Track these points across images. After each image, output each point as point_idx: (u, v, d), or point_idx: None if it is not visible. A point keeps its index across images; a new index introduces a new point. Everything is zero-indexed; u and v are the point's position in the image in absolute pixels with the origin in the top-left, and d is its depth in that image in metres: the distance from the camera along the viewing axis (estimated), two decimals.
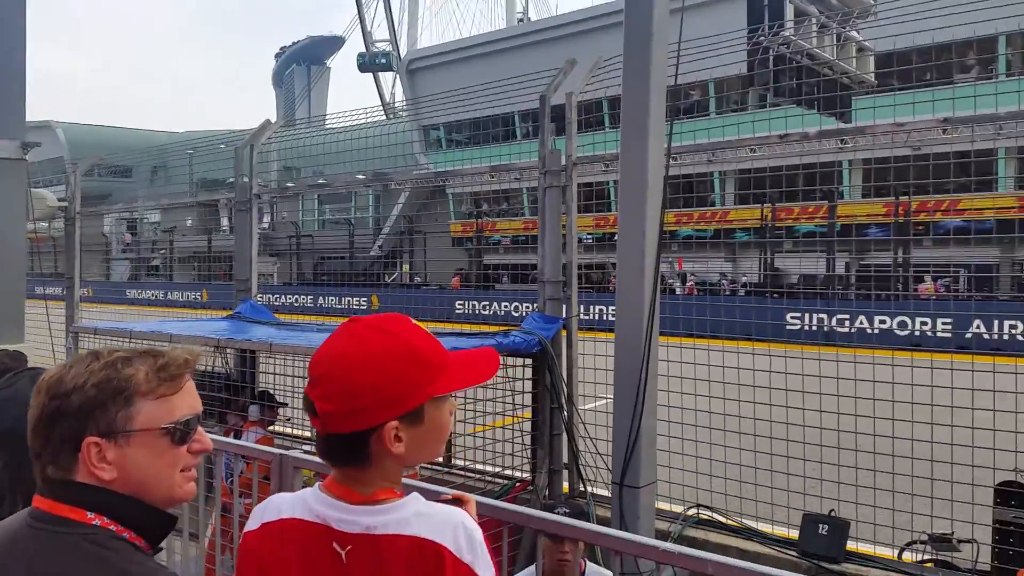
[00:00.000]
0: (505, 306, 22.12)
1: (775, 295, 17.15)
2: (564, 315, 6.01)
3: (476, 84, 7.94)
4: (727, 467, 5.46)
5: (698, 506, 5.58)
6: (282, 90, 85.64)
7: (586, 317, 11.62)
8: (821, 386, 5.21)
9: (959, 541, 4.77)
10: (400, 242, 35.81)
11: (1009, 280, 21.14)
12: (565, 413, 5.85)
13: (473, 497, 1.69)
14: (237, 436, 5.94)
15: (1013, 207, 20.66)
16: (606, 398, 4.78)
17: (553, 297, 5.87)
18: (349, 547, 1.35)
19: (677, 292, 19.49)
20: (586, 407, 6.13)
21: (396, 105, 50.46)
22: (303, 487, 1.87)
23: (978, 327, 18.67)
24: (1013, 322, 18.07)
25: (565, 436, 5.91)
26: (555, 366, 5.68)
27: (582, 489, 5.94)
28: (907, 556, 4.93)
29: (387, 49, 60.13)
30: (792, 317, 16.47)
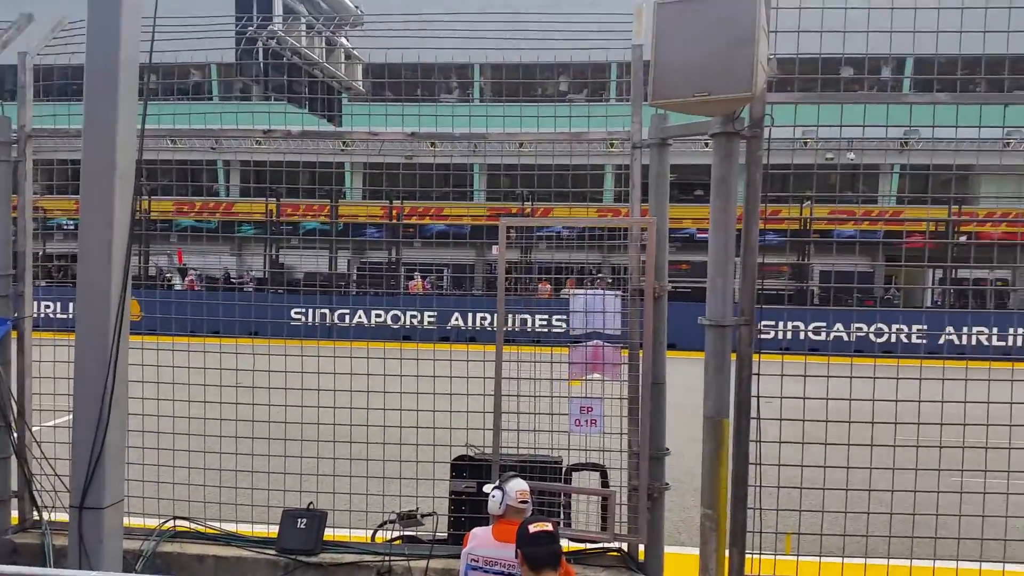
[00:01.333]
0: None
1: (280, 290, 17.23)
2: (15, 315, 5.12)
3: None
4: (207, 474, 5.24)
5: (175, 518, 5.22)
6: None
7: (64, 316, 10.06)
8: (304, 381, 5.32)
9: (423, 515, 5.28)
10: None
11: (482, 279, 24.75)
12: (15, 433, 5.00)
13: None
14: None
15: (484, 215, 24.28)
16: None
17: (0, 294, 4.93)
18: None
19: (177, 287, 18.30)
20: (51, 423, 5.32)
21: None
22: None
23: (457, 319, 21.56)
24: (483, 313, 21.28)
25: (15, 459, 5.06)
26: (0, 377, 4.78)
27: (36, 518, 5.18)
28: (380, 536, 5.29)
29: None
30: (296, 312, 16.73)
